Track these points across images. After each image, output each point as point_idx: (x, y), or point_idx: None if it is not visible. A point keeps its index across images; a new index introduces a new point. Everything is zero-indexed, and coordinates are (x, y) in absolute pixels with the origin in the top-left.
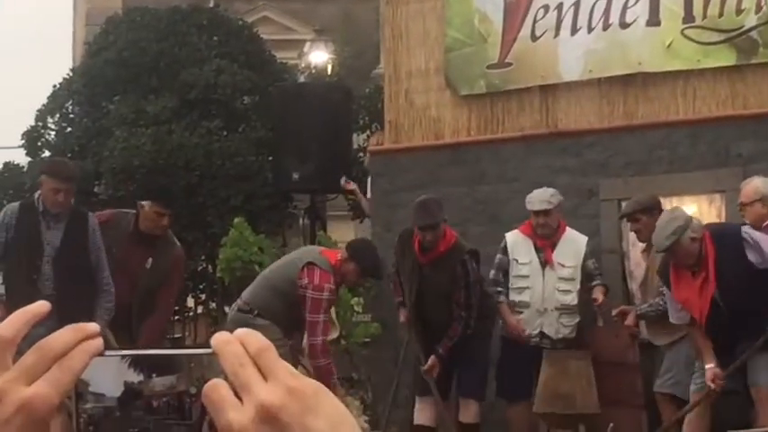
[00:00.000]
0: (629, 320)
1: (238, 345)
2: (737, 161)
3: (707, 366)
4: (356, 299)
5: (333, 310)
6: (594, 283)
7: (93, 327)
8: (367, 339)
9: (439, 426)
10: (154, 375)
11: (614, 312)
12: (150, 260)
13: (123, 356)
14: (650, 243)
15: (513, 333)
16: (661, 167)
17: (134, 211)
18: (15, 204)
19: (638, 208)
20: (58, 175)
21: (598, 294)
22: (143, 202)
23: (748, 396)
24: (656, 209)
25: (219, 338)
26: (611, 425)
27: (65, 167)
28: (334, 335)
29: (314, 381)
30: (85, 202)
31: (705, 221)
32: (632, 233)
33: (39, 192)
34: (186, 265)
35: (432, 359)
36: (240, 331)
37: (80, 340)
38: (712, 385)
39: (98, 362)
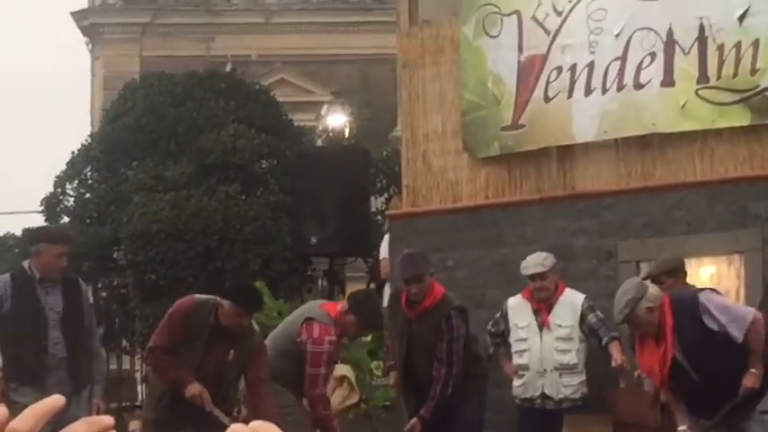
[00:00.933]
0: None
1: None
2: (756, 222)
3: (679, 429)
4: (375, 363)
5: (353, 373)
6: (605, 340)
7: (108, 420)
8: (387, 403)
9: None
10: None
11: (636, 374)
12: (232, 352)
13: None
14: None
15: (511, 376)
16: (679, 228)
17: (212, 300)
18: (5, 276)
19: (662, 270)
20: (62, 240)
21: (616, 355)
22: (223, 301)
23: None
24: (680, 271)
25: (234, 430)
26: None
27: (63, 231)
28: (353, 399)
29: None
30: (104, 267)
31: (724, 282)
32: None
33: (28, 261)
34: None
35: (413, 421)
36: (254, 423)
37: None
38: None
39: None
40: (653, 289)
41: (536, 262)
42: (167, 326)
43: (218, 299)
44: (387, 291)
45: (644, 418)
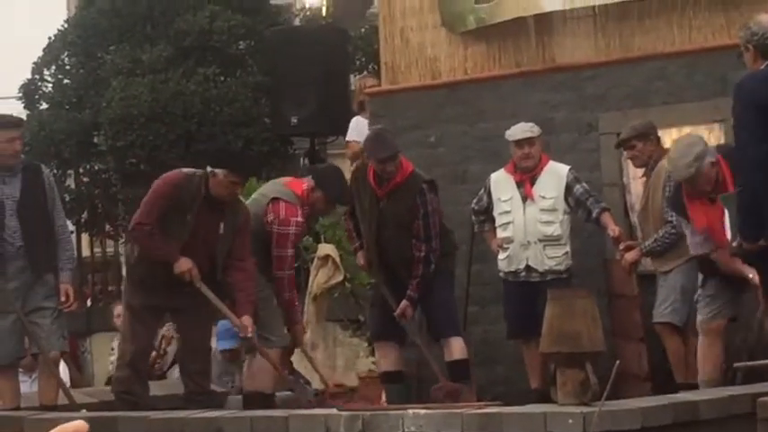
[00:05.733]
0: (631, 256)
1: None
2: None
3: (750, 276)
4: None
5: (336, 253)
6: (596, 211)
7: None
8: (371, 281)
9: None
10: None
11: (621, 247)
12: (222, 225)
13: None
14: (648, 170)
15: (496, 251)
16: (659, 98)
17: (199, 172)
18: None
19: (633, 134)
20: (10, 125)
21: (612, 225)
22: (216, 170)
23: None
24: (651, 134)
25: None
26: (618, 362)
27: (9, 116)
28: (338, 278)
29: None
30: (85, 153)
31: None
32: (632, 166)
33: None
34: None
35: (403, 303)
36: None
37: None
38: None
39: None
40: (709, 143)
41: (523, 129)
42: (155, 200)
43: (208, 169)
44: None
45: (623, 287)
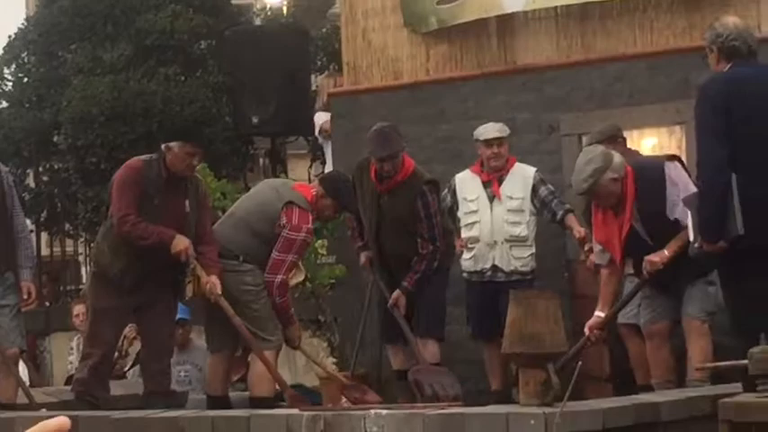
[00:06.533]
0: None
1: None
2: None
3: (595, 313)
4: (320, 241)
5: None
6: (560, 213)
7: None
8: (332, 281)
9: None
10: None
11: (586, 248)
12: (187, 203)
13: None
14: None
15: (459, 251)
16: (621, 101)
17: (155, 156)
18: None
19: (601, 138)
20: None
21: (576, 227)
22: (170, 144)
23: None
24: (618, 136)
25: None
26: (579, 363)
27: None
28: (299, 278)
29: None
30: (45, 152)
31: (666, 153)
32: None
33: None
34: None
35: (396, 293)
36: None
37: None
38: (587, 331)
39: None
40: (617, 158)
41: (494, 128)
42: (124, 189)
43: (163, 147)
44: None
45: (589, 288)
